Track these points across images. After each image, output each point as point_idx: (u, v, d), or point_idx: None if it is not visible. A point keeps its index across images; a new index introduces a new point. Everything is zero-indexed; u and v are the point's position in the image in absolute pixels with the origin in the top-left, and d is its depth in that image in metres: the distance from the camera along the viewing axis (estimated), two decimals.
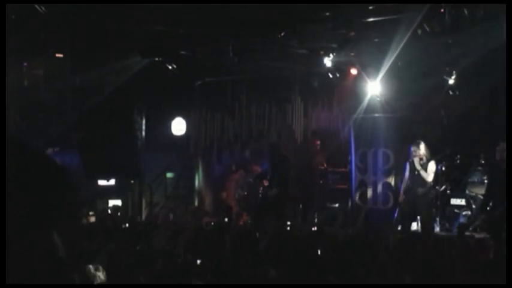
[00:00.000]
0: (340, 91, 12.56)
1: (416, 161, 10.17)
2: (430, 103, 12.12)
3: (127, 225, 9.37)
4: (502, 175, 9.24)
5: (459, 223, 10.59)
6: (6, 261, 0.82)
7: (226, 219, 10.55)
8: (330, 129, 13.16)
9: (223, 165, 13.82)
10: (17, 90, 10.34)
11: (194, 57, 11.37)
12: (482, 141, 11.37)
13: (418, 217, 10.49)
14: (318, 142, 13.18)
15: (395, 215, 10.93)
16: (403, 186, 10.54)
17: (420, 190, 10.26)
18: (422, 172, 10.14)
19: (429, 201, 10.45)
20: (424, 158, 10.23)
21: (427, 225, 10.25)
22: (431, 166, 10.22)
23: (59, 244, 0.92)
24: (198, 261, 5.36)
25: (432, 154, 10.44)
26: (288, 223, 10.42)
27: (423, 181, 10.21)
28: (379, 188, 11.68)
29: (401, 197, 10.61)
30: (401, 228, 10.29)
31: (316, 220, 11.91)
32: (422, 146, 10.27)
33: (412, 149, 10.27)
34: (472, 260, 6.07)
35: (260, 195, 11.93)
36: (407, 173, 10.43)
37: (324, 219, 11.81)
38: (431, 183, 10.36)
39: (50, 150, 10.93)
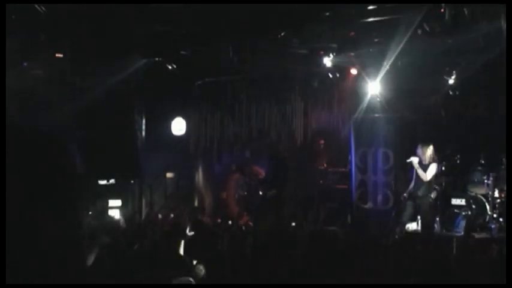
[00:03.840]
0: (340, 91, 12.55)
1: (414, 160, 10.16)
2: (430, 103, 12.11)
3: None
4: None
5: (463, 224, 10.56)
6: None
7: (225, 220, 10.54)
8: (330, 129, 13.17)
9: (223, 165, 13.81)
10: (17, 90, 10.31)
11: (194, 57, 11.35)
12: (482, 141, 11.36)
13: (419, 217, 10.49)
14: (323, 141, 13.20)
15: (392, 214, 10.93)
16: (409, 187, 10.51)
17: (421, 190, 10.25)
18: (420, 171, 10.13)
19: (429, 202, 10.44)
20: (427, 160, 10.20)
21: (427, 225, 10.24)
22: (432, 168, 10.21)
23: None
24: (195, 262, 5.35)
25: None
26: (293, 224, 10.43)
27: (424, 181, 10.20)
28: (379, 188, 11.67)
29: (402, 197, 10.59)
30: (400, 228, 10.28)
31: (315, 220, 11.91)
32: (429, 149, 10.23)
33: (418, 151, 10.25)
34: (472, 260, 6.07)
35: (260, 195, 11.92)
36: (413, 174, 10.40)
37: (324, 219, 11.81)
38: (432, 184, 10.34)
39: None
